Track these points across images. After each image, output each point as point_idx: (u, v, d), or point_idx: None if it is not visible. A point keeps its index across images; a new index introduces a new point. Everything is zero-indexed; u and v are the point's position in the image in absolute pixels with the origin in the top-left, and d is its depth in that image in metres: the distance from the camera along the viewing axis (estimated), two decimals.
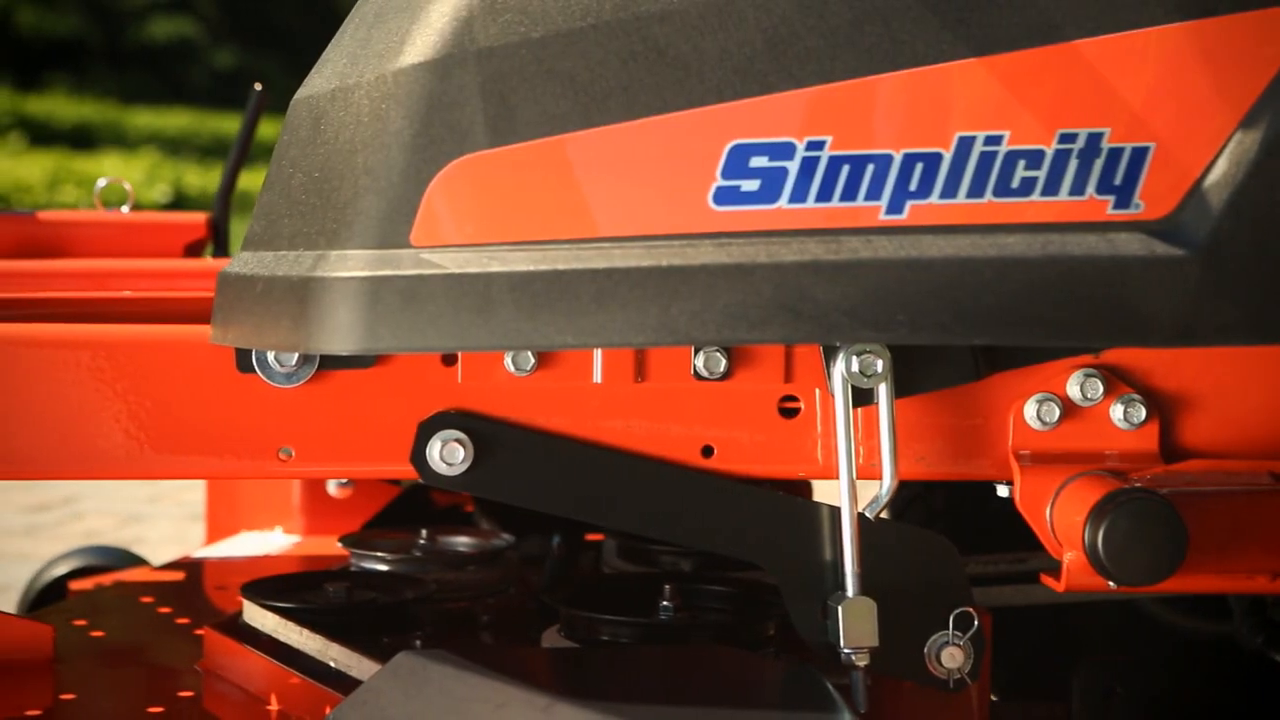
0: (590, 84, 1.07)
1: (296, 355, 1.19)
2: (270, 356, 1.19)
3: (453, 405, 1.21)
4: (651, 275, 1.06)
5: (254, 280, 1.15)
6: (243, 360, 1.20)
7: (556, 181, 1.08)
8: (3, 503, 3.45)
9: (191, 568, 1.87)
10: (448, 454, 1.20)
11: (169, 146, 13.88)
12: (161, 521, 3.34)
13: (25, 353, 1.22)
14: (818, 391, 1.23)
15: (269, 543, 2.01)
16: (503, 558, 1.64)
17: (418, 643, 1.40)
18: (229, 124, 16.36)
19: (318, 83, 1.18)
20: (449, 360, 1.22)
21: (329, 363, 1.20)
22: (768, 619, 1.41)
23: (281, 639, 1.42)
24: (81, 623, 1.60)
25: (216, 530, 2.05)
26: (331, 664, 1.36)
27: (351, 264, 1.08)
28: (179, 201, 11.35)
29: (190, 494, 3.62)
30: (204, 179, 12.42)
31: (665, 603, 1.40)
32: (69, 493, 3.58)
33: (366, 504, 2.02)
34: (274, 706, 1.37)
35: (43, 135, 12.61)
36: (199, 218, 1.83)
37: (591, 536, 1.87)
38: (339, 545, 1.65)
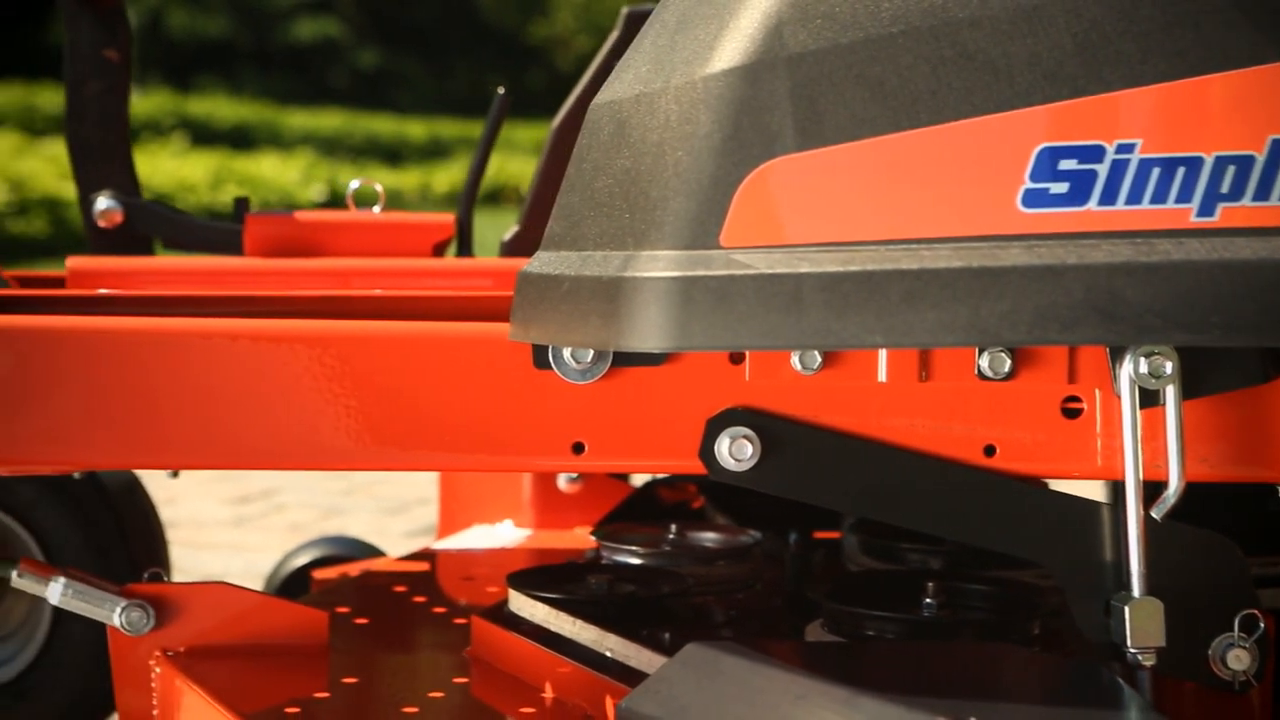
0: (899, 89, 1.09)
1: (592, 352, 1.23)
2: (567, 353, 1.23)
3: (740, 403, 1.24)
4: (961, 276, 1.08)
5: (559, 279, 1.18)
6: (540, 357, 1.24)
7: (864, 184, 1.10)
8: (206, 494, 3.55)
9: (434, 559, 1.92)
10: (736, 450, 1.23)
11: (323, 146, 14.13)
12: (361, 514, 3.41)
13: (313, 348, 1.27)
14: (1098, 392, 1.24)
15: (501, 536, 2.05)
16: (751, 553, 1.66)
17: (666, 635, 1.42)
18: (378, 124, 16.63)
19: (618, 88, 1.21)
20: (736, 358, 1.25)
21: (622, 360, 1.24)
22: (1033, 617, 1.42)
23: (553, 628, 1.45)
24: (344, 610, 1.65)
25: (449, 524, 2.10)
26: (608, 654, 1.39)
27: (663, 264, 1.11)
28: (333, 201, 11.55)
29: (384, 488, 3.69)
30: (357, 178, 12.62)
31: (929, 600, 1.42)
32: (268, 485, 3.67)
33: (594, 499, 2.06)
34: (549, 694, 1.41)
35: (203, 136, 12.90)
36: (447, 218, 1.88)
37: (820, 534, 1.89)
38: (591, 537, 1.69)
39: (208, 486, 3.45)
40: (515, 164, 14.93)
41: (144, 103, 13.61)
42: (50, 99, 12.29)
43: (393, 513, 3.42)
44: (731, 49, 1.12)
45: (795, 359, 1.23)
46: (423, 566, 1.87)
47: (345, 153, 14.48)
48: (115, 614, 1.45)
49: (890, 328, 1.08)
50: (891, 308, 1.08)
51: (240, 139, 13.53)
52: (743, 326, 1.09)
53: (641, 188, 1.14)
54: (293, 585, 2.09)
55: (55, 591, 1.45)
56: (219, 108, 14.65)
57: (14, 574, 1.46)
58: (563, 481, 2.06)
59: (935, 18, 1.09)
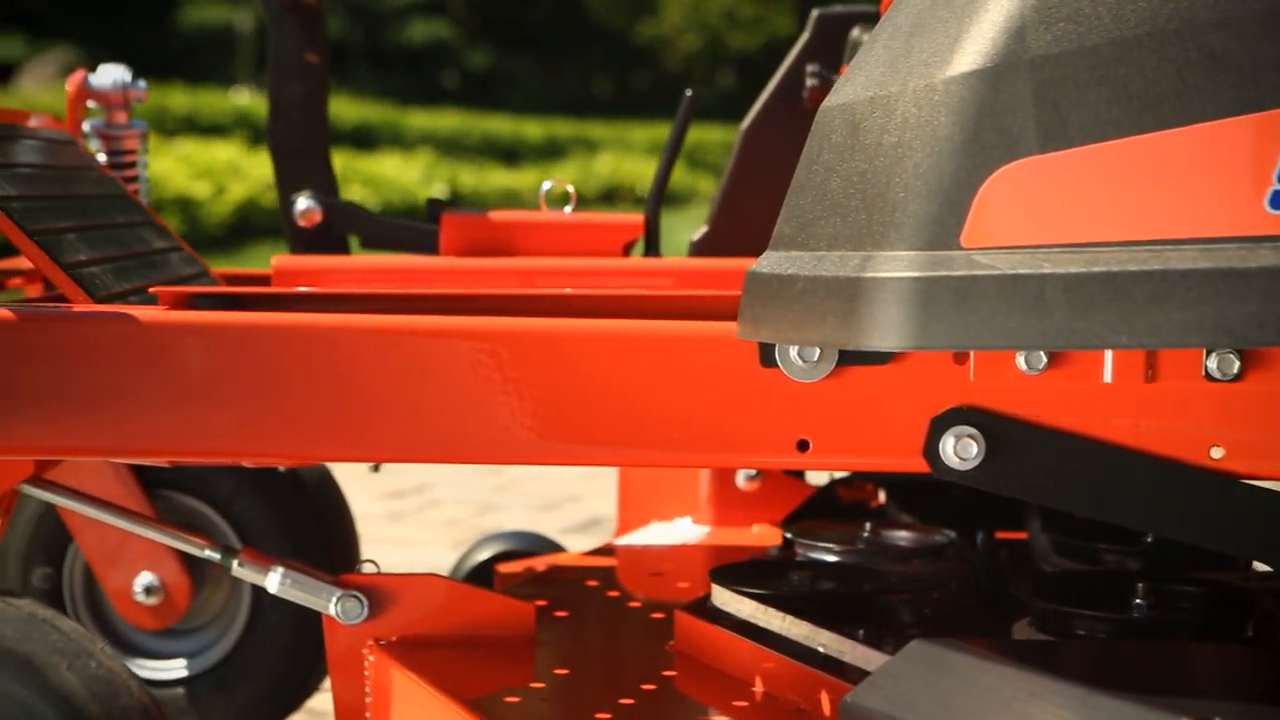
0: (1144, 91, 1.10)
1: (818, 351, 1.25)
2: (793, 352, 1.25)
3: (964, 402, 1.25)
4: (1208, 277, 1.08)
5: (792, 279, 1.20)
6: (766, 355, 1.26)
7: (1108, 185, 1.11)
8: (359, 490, 3.61)
9: (618, 555, 1.94)
10: (961, 449, 1.24)
11: (442, 146, 14.26)
12: (515, 511, 3.45)
13: (535, 346, 1.29)
14: None
15: (681, 533, 2.07)
16: (945, 552, 1.67)
17: (871, 632, 1.43)
18: (494, 124, 16.74)
19: (850, 90, 1.22)
20: (960, 358, 1.26)
21: (847, 358, 1.25)
22: (1245, 619, 1.42)
23: (759, 624, 1.47)
24: (543, 603, 1.68)
25: (628, 521, 2.12)
26: (820, 649, 1.41)
27: (903, 264, 1.12)
28: (454, 200, 11.66)
29: (535, 484, 3.73)
30: (476, 178, 12.72)
31: (1138, 600, 1.42)
32: (421, 481, 3.73)
33: (771, 497, 2.08)
34: (759, 688, 1.42)
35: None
36: (637, 218, 1.90)
37: (1001, 534, 1.89)
38: (785, 534, 1.71)
39: (359, 483, 3.51)
40: (629, 164, 14.97)
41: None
42: (180, 100, 12.51)
43: (546, 509, 3.46)
44: (973, 52, 1.13)
45: (1020, 359, 1.24)
46: (609, 562, 1.90)
47: (463, 152, 14.60)
48: (331, 604, 1.49)
49: (1135, 329, 1.09)
50: (1136, 309, 1.08)
51: (363, 139, 13.69)
52: (984, 327, 1.10)
53: (879, 189, 1.16)
54: (476, 579, 2.13)
55: (274, 581, 1.49)
56: (342, 108, 14.82)
57: (234, 563, 1.50)
58: (741, 479, 2.08)
59: (1181, 19, 1.10)
